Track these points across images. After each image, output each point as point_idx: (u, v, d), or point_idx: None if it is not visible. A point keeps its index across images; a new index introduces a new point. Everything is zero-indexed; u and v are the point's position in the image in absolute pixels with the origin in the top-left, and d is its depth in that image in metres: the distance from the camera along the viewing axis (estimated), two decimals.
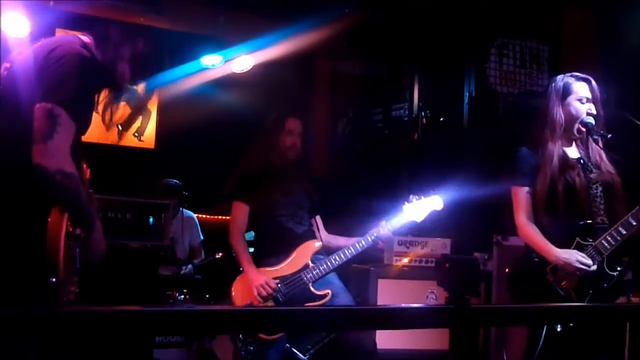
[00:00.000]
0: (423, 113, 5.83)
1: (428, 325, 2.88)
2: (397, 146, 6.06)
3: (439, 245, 4.86)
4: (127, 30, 2.43)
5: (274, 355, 3.49)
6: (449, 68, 5.77)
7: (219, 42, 6.37)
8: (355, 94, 6.62)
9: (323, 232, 3.82)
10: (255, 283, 3.48)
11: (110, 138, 6.37)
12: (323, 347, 3.89)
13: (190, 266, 5.13)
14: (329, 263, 3.51)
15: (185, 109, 6.39)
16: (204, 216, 6.34)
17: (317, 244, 3.62)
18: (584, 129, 3.05)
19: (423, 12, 5.65)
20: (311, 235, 3.68)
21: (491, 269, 4.51)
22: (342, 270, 3.77)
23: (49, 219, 2.11)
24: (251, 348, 4.10)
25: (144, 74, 2.49)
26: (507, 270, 3.14)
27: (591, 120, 3.01)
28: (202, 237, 5.63)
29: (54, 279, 2.07)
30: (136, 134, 6.62)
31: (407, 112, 5.89)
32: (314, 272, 3.51)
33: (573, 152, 3.09)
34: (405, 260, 4.78)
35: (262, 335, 3.44)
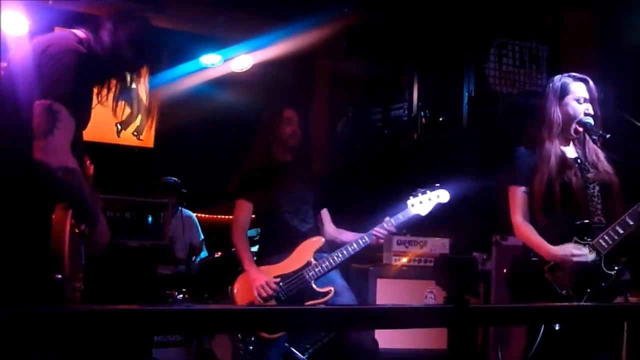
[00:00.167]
0: (422, 113, 5.83)
1: (427, 324, 2.89)
2: (397, 146, 6.07)
3: (438, 245, 4.87)
4: (120, 16, 2.41)
5: (275, 354, 3.47)
6: (448, 68, 5.77)
7: (219, 42, 6.37)
8: (355, 93, 6.62)
9: (330, 226, 3.77)
10: (255, 283, 3.46)
11: (110, 137, 6.40)
12: (322, 346, 3.90)
13: (197, 259, 5.14)
14: (331, 260, 3.48)
15: (184, 108, 6.39)
16: (203, 215, 6.35)
17: (320, 241, 3.58)
18: (581, 129, 3.05)
19: (423, 12, 5.65)
20: (315, 232, 3.64)
21: (490, 269, 4.52)
22: (341, 270, 3.75)
23: (53, 216, 2.11)
24: (250, 347, 4.11)
25: (147, 56, 2.46)
26: (505, 270, 3.15)
27: (590, 120, 3.02)
28: (202, 236, 5.63)
29: (59, 276, 2.07)
30: (135, 133, 6.62)
31: (406, 112, 5.89)
32: (316, 270, 3.47)
33: (570, 151, 3.09)
34: (404, 260, 4.79)
35: (263, 334, 3.42)
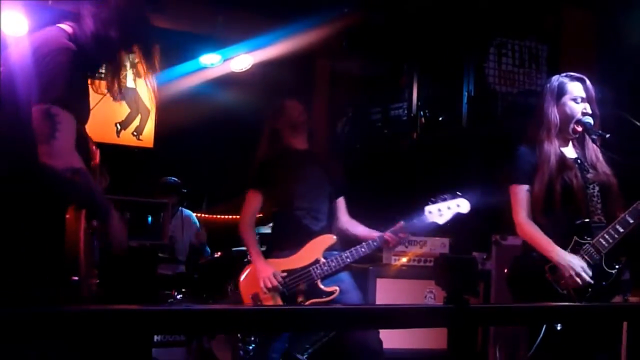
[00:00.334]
0: (422, 112, 5.83)
1: (427, 324, 2.89)
2: (396, 146, 6.06)
3: (438, 245, 4.86)
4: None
5: (277, 353, 3.46)
6: (448, 67, 5.77)
7: (218, 41, 6.37)
8: (355, 93, 6.62)
9: (344, 216, 3.70)
10: (262, 275, 3.42)
11: (109, 137, 6.39)
12: (322, 346, 3.89)
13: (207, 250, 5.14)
14: (340, 260, 3.43)
15: (184, 108, 6.38)
16: (202, 215, 6.35)
17: (331, 240, 3.51)
18: (579, 129, 3.05)
19: (422, 12, 5.65)
20: (327, 230, 3.57)
21: (490, 269, 4.52)
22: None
23: (67, 216, 2.12)
24: (250, 347, 4.11)
25: (135, 32, 2.38)
26: (505, 270, 3.14)
27: (589, 120, 3.02)
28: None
29: (76, 278, 2.09)
30: (135, 133, 6.62)
31: (406, 112, 5.89)
32: (324, 268, 3.42)
33: (570, 152, 3.09)
34: (404, 260, 4.78)
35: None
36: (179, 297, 4.56)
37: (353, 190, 3.68)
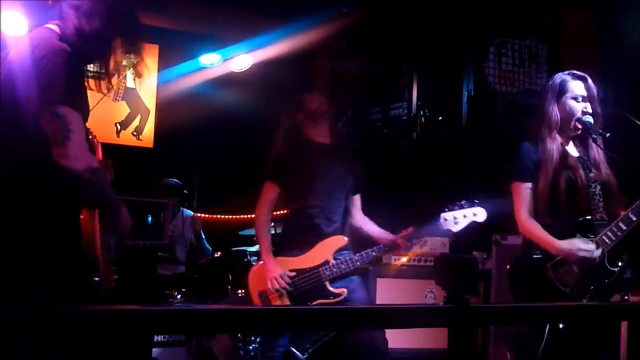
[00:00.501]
0: (422, 112, 5.83)
1: (427, 324, 2.89)
2: (396, 145, 6.06)
3: (438, 244, 4.86)
4: None
5: (284, 342, 3.46)
6: (447, 67, 5.77)
7: (218, 41, 6.37)
8: (354, 93, 6.62)
9: (358, 213, 3.65)
10: (270, 274, 3.38)
11: (109, 137, 6.39)
12: (322, 346, 3.89)
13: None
14: (350, 263, 3.38)
15: (184, 108, 6.39)
16: (202, 215, 6.35)
17: (342, 241, 3.46)
18: (580, 126, 3.05)
19: (422, 11, 5.65)
20: (339, 232, 3.50)
21: (490, 268, 4.52)
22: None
23: (81, 217, 2.14)
24: (250, 347, 4.11)
25: (119, 22, 2.36)
26: (507, 267, 3.13)
27: (590, 119, 3.02)
28: (202, 236, 5.64)
29: (97, 278, 2.11)
30: (135, 133, 6.62)
31: (405, 111, 5.89)
32: (333, 270, 3.38)
33: (572, 150, 3.09)
34: (404, 259, 4.78)
35: None
36: (179, 297, 4.56)
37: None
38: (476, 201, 3.33)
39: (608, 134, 3.01)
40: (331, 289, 3.39)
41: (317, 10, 5.71)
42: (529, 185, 3.02)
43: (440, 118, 5.81)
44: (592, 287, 2.89)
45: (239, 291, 4.46)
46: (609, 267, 2.91)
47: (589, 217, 2.94)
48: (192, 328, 1.82)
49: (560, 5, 5.59)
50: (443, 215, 3.31)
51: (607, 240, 2.90)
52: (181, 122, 6.28)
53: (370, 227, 3.62)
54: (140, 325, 1.32)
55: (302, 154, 3.50)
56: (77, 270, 2.12)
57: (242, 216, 6.85)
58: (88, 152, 2.18)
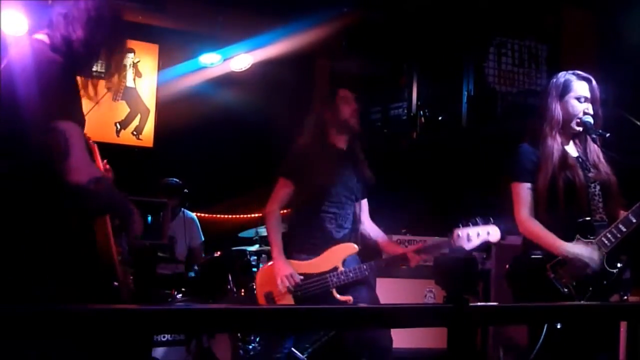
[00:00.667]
0: (422, 112, 5.84)
1: (426, 324, 2.89)
2: (396, 145, 6.06)
3: None
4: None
5: (289, 343, 3.45)
6: (447, 67, 5.77)
7: (218, 41, 6.38)
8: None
9: (366, 219, 3.62)
10: (281, 273, 3.34)
11: (109, 136, 6.40)
12: (321, 346, 3.89)
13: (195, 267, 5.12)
14: (358, 272, 3.36)
15: (183, 107, 6.39)
16: (202, 215, 6.35)
17: (352, 249, 3.43)
18: (580, 127, 3.05)
19: (422, 11, 5.66)
20: (348, 238, 3.47)
21: (490, 268, 4.52)
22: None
23: (95, 227, 2.17)
24: (250, 347, 4.11)
25: (106, 29, 2.33)
26: (507, 266, 3.13)
27: (589, 119, 3.02)
28: (202, 238, 5.62)
29: (116, 283, 2.13)
30: (134, 133, 6.62)
31: (405, 111, 5.89)
32: (341, 277, 3.35)
33: (572, 150, 3.09)
34: None
35: None
36: (178, 296, 4.56)
37: None
38: (490, 219, 3.29)
39: (608, 134, 3.00)
40: (337, 296, 3.36)
41: (317, 10, 5.71)
42: (529, 185, 3.01)
43: (440, 118, 5.82)
44: (590, 288, 2.89)
45: (239, 291, 4.46)
46: (608, 268, 2.91)
47: (588, 218, 2.94)
48: (193, 328, 1.82)
49: (560, 5, 5.59)
50: (457, 231, 3.26)
51: (606, 242, 2.89)
52: (181, 121, 6.27)
53: (377, 234, 3.61)
54: (140, 325, 1.32)
55: (323, 156, 3.45)
56: (96, 277, 2.14)
57: (241, 216, 6.86)
58: (89, 163, 2.18)
